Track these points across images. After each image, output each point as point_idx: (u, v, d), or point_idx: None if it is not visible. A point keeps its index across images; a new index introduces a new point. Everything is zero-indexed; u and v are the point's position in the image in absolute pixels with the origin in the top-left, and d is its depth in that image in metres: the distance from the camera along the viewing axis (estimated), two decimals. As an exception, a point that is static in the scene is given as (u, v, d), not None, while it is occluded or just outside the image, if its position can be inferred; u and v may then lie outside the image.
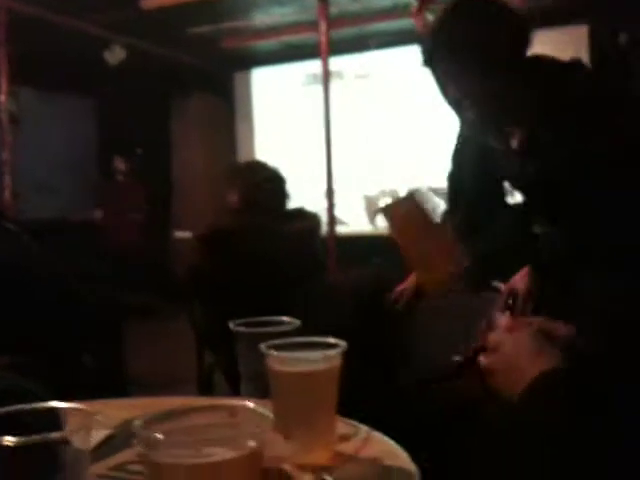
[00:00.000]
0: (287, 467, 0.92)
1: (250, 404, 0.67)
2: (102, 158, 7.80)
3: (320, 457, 0.94)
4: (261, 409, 0.65)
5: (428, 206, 1.81)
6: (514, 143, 1.63)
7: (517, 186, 1.74)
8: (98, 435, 1.04)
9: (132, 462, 0.92)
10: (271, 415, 0.66)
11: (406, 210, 1.83)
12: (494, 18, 1.60)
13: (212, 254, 2.73)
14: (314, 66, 6.09)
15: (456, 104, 1.65)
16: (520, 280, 1.72)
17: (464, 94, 1.61)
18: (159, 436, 0.61)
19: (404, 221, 1.82)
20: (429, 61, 1.64)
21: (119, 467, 0.94)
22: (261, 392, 1.02)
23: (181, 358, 3.45)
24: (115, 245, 6.90)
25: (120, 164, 7.28)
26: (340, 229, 6.09)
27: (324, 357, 0.95)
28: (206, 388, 3.01)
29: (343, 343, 0.96)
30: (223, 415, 0.67)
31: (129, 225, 7.14)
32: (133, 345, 4.03)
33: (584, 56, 6.40)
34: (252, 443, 0.61)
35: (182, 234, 6.99)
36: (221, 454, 0.59)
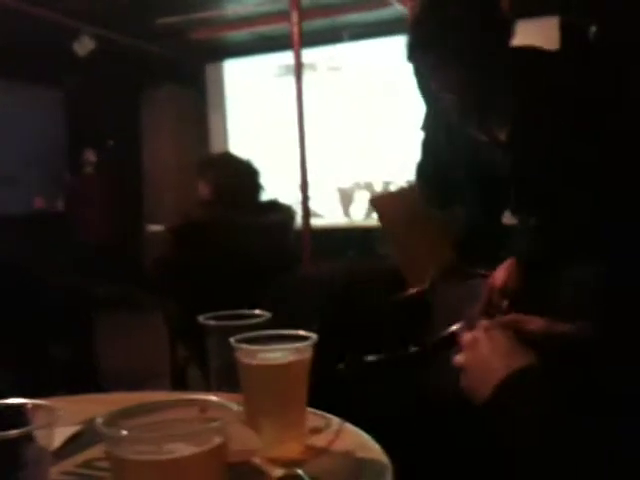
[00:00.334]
0: (257, 461, 0.91)
1: (214, 398, 0.65)
2: (72, 150, 7.69)
3: (291, 450, 0.93)
4: (227, 403, 0.64)
5: (417, 200, 1.81)
6: (496, 135, 1.63)
7: (496, 177, 1.74)
8: (66, 432, 1.03)
9: (100, 459, 0.91)
10: (237, 408, 0.65)
11: (395, 202, 1.84)
12: (474, 9, 1.60)
13: (184, 246, 2.71)
14: (287, 57, 6.05)
15: (436, 97, 1.64)
16: (499, 274, 1.71)
17: (446, 87, 1.62)
18: (122, 432, 0.60)
19: (393, 213, 1.82)
20: (411, 55, 1.63)
21: (87, 464, 0.93)
22: (232, 386, 1.01)
23: (156, 351, 3.43)
24: (83, 238, 6.81)
25: (91, 156, 7.18)
26: (315, 221, 6.08)
27: (294, 350, 0.94)
28: (180, 382, 2.99)
29: (314, 336, 0.95)
30: (190, 410, 0.65)
31: (96, 218, 7.06)
32: (107, 337, 4.01)
33: (554, 47, 6.45)
34: (216, 438, 0.60)
35: (155, 227, 6.93)
36: (183, 450, 0.58)
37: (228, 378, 1.04)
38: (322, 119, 7.03)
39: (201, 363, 2.50)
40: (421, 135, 1.88)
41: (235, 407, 0.65)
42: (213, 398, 0.66)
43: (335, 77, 7.51)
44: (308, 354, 0.95)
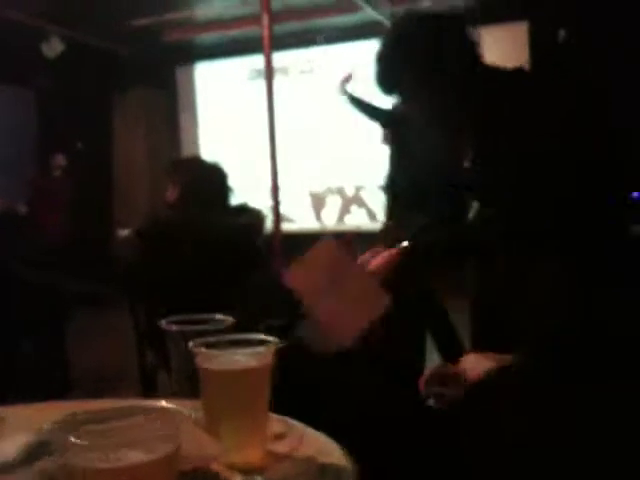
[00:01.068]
0: (216, 467, 0.89)
1: (167, 405, 0.64)
2: (41, 153, 7.58)
3: (252, 457, 0.91)
4: (180, 409, 0.63)
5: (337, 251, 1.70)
6: (462, 148, 1.65)
7: (463, 187, 1.76)
8: (22, 440, 1.00)
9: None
10: (193, 415, 0.64)
11: (312, 268, 1.69)
12: (439, 31, 1.62)
13: (151, 249, 2.68)
14: (258, 61, 6.04)
15: (402, 115, 1.67)
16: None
17: (413, 105, 1.66)
18: (72, 439, 0.58)
19: (312, 283, 1.66)
20: (380, 79, 1.65)
21: (42, 473, 0.90)
22: (193, 391, 1.00)
23: (126, 353, 3.39)
24: (47, 240, 6.68)
25: (60, 160, 7.06)
26: (286, 226, 6.07)
27: (254, 354, 0.92)
28: (149, 386, 2.95)
29: (275, 340, 0.94)
30: (142, 418, 0.64)
31: (63, 221, 6.96)
32: (77, 337, 3.96)
33: (524, 53, 6.53)
34: (167, 445, 0.58)
35: (125, 230, 6.86)
36: (133, 457, 0.57)
37: (189, 383, 1.03)
38: (294, 123, 7.02)
39: (168, 368, 2.47)
40: (387, 147, 1.90)
41: (190, 413, 0.64)
42: (165, 405, 0.64)
43: (307, 81, 7.51)
44: (269, 359, 0.93)
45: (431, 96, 1.62)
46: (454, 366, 1.22)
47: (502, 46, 6.60)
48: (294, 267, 1.66)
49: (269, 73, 4.98)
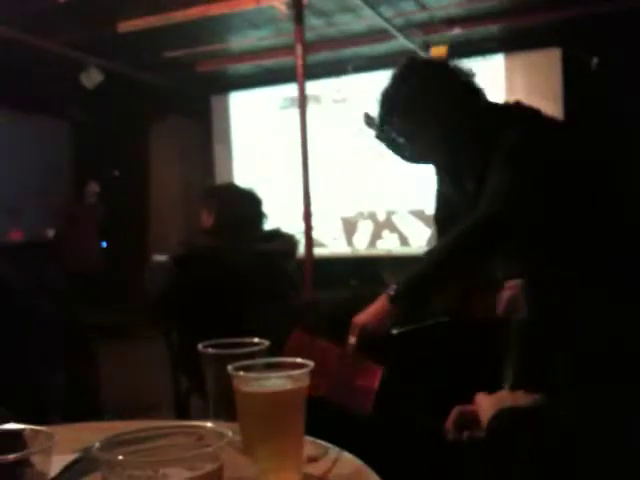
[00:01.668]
0: (253, 489, 0.91)
1: (210, 425, 0.66)
2: (77, 181, 7.73)
3: (287, 479, 0.93)
4: (221, 429, 0.65)
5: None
6: (467, 187, 1.72)
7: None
8: (63, 459, 1.03)
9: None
10: (232, 435, 0.66)
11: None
12: (438, 79, 1.74)
13: (187, 275, 2.72)
14: (291, 90, 6.13)
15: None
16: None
17: (418, 153, 1.77)
18: (118, 457, 0.61)
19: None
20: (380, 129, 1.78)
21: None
22: (230, 414, 1.02)
23: (159, 381, 3.42)
24: (74, 267, 6.74)
25: (94, 187, 7.16)
26: (318, 251, 6.10)
27: (291, 377, 0.94)
28: (183, 413, 2.97)
29: (311, 364, 0.96)
30: (185, 437, 0.66)
31: (93, 247, 7.05)
32: (110, 368, 3.99)
33: (557, 78, 6.51)
34: (210, 464, 0.60)
35: (160, 257, 6.94)
36: (178, 475, 0.59)
37: (226, 407, 1.04)
38: (326, 150, 7.08)
39: (203, 393, 2.49)
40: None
41: (230, 434, 0.66)
42: (208, 425, 0.67)
43: (339, 108, 7.58)
44: (305, 382, 0.95)
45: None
46: (471, 406, 1.20)
47: (535, 72, 6.62)
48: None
49: (302, 102, 5.06)
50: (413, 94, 1.72)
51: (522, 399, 1.07)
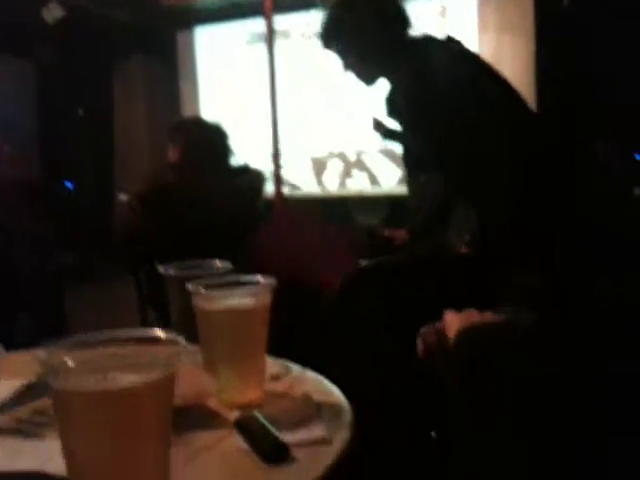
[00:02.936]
0: (214, 405, 0.90)
1: (163, 333, 0.63)
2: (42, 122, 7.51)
3: (249, 395, 0.92)
4: (176, 337, 0.63)
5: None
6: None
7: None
8: (14, 384, 1.00)
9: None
10: (186, 344, 0.63)
11: None
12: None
13: (151, 211, 2.67)
14: (259, 24, 5.96)
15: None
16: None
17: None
18: (67, 362, 0.58)
19: None
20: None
21: (40, 411, 0.91)
22: (193, 336, 1.00)
23: (125, 318, 3.40)
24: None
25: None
26: (288, 191, 6.06)
27: (252, 294, 0.92)
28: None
29: (273, 280, 0.94)
30: (139, 344, 0.63)
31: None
32: (74, 306, 3.96)
33: (530, 15, 6.42)
34: (162, 370, 0.58)
35: (125, 197, 6.84)
36: (127, 380, 0.56)
37: (189, 328, 1.03)
38: (295, 88, 6.95)
39: (168, 322, 2.48)
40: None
41: (184, 342, 0.64)
42: (162, 333, 0.64)
43: (308, 45, 7.42)
44: (267, 299, 0.93)
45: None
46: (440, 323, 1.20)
47: (509, 7, 6.51)
48: None
49: (270, 38, 4.94)
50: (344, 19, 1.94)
51: (490, 317, 1.07)
